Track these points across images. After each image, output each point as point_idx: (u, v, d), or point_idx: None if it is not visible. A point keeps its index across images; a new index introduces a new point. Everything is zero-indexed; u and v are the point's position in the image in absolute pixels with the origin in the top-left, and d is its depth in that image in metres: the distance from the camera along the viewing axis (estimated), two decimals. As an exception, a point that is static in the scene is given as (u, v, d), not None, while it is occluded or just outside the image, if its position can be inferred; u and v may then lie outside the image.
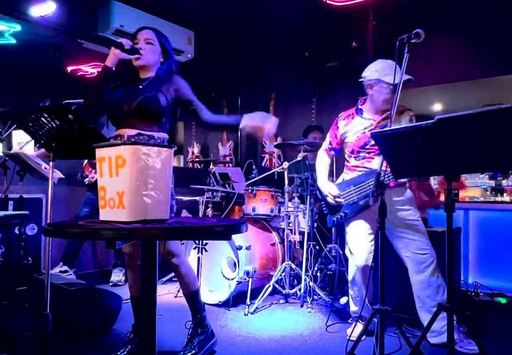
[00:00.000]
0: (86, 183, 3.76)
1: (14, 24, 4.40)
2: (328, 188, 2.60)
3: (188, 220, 1.69)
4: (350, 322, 2.73)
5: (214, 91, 6.10)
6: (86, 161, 3.78)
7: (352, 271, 2.55)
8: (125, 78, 2.22)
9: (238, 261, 3.13)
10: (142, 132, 2.04)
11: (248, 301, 3.07)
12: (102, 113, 2.23)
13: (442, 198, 3.64)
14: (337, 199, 2.54)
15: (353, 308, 2.64)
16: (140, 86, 2.14)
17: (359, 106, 2.58)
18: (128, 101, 2.07)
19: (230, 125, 2.17)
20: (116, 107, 2.09)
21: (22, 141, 3.59)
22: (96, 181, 3.66)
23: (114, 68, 2.09)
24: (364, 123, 2.52)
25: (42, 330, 1.84)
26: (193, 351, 2.17)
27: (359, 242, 2.51)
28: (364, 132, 2.50)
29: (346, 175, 2.63)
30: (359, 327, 2.45)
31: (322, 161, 2.74)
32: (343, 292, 3.33)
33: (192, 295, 2.24)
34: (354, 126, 2.55)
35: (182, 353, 2.16)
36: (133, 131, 2.04)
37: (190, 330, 2.23)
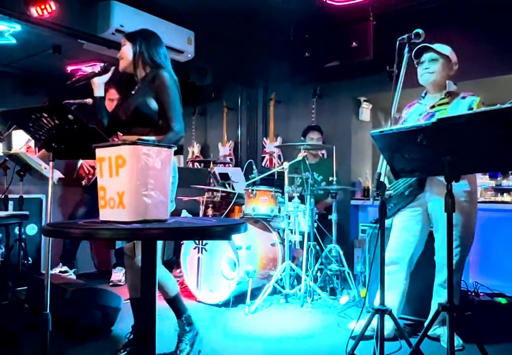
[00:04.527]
0: (83, 184, 3.76)
1: (14, 24, 4.40)
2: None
3: (188, 220, 1.70)
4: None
5: (214, 91, 6.10)
6: (80, 164, 3.77)
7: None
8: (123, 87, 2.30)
9: (238, 261, 3.13)
10: (141, 137, 2.06)
11: (248, 301, 3.07)
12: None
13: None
14: (387, 191, 2.52)
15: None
16: (133, 92, 2.19)
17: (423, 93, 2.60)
18: (123, 111, 2.14)
19: None
20: (115, 117, 2.17)
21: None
22: (92, 182, 3.66)
23: (103, 95, 2.18)
24: (420, 109, 2.54)
25: (42, 330, 1.84)
26: (187, 348, 2.21)
27: (396, 237, 2.49)
28: (418, 119, 2.49)
29: None
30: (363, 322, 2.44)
31: None
32: (343, 292, 3.33)
33: (174, 300, 2.24)
34: (413, 113, 2.57)
35: (178, 353, 2.18)
36: (133, 138, 2.06)
37: (179, 330, 2.25)
